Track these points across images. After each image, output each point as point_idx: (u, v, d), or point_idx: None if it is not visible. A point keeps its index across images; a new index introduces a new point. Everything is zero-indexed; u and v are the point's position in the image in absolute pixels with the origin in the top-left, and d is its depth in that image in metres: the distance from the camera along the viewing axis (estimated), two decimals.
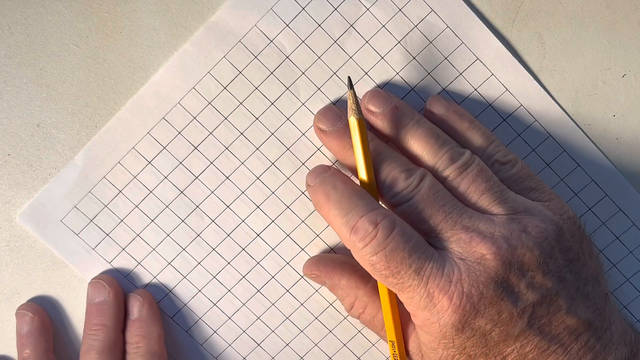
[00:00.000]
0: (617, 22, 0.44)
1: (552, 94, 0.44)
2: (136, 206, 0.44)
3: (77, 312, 0.45)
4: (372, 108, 0.41)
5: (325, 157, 0.44)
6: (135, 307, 0.44)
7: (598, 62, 0.44)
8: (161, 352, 0.44)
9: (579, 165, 0.45)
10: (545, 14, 0.43)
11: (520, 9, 0.43)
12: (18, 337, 0.44)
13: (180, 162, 0.43)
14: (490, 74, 0.43)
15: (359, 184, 0.40)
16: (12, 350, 0.45)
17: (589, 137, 0.44)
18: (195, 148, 0.43)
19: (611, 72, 0.44)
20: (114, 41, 0.42)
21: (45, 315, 0.44)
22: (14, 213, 0.44)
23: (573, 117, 0.44)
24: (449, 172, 0.40)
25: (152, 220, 0.44)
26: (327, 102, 0.43)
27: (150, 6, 0.42)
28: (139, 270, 0.45)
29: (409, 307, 0.39)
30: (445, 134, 0.41)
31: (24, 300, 0.45)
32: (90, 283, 0.44)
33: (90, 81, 0.42)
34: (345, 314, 0.46)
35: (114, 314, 0.43)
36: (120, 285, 0.44)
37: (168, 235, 0.44)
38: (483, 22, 0.43)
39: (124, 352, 0.43)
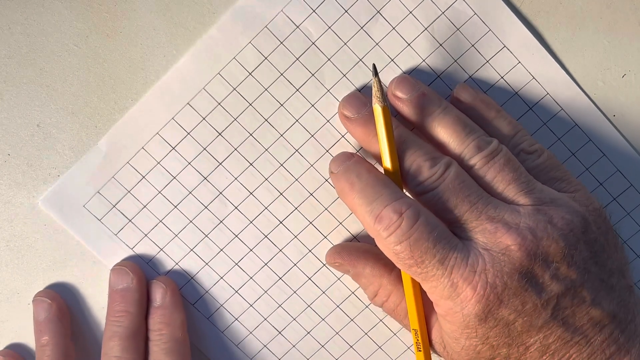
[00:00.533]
0: (617, 22, 0.43)
1: None
2: (159, 192, 0.43)
3: (75, 311, 0.45)
4: (399, 94, 0.41)
5: (349, 145, 0.43)
6: (159, 294, 0.44)
7: (598, 62, 0.44)
8: (184, 339, 0.44)
9: (604, 154, 0.44)
10: (545, 14, 0.43)
11: (520, 9, 0.43)
12: (36, 324, 0.43)
13: (204, 148, 0.43)
14: (517, 62, 0.43)
15: (383, 172, 0.40)
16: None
17: (615, 127, 0.44)
18: (220, 134, 0.43)
19: (611, 72, 0.44)
20: (114, 41, 0.42)
21: (62, 302, 0.44)
22: (14, 213, 0.43)
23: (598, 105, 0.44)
24: (476, 161, 0.39)
25: (175, 207, 0.44)
26: (353, 88, 0.43)
27: (150, 6, 0.41)
28: (161, 257, 0.44)
29: (432, 296, 0.38)
30: (473, 122, 0.41)
31: (24, 300, 0.45)
32: (112, 269, 0.44)
33: (90, 81, 0.42)
34: (367, 302, 0.46)
35: (137, 300, 0.43)
36: (143, 271, 0.44)
37: (191, 221, 0.44)
38: (511, 10, 0.42)
39: (146, 339, 0.43)
